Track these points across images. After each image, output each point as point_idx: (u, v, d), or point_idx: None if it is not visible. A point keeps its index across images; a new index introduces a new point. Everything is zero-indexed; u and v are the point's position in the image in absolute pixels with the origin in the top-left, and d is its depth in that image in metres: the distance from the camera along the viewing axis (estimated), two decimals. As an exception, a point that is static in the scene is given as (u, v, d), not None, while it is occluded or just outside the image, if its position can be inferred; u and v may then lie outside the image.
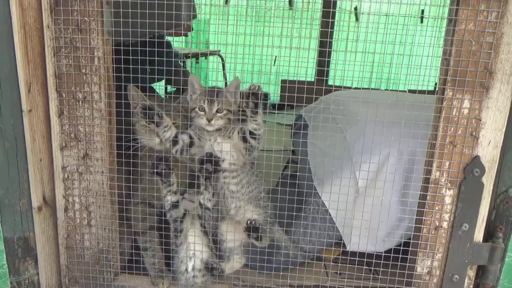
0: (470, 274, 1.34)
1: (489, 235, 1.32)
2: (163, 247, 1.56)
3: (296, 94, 1.26)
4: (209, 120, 1.37)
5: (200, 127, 1.41)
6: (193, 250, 1.44)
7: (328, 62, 3.33)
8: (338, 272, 1.68)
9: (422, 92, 1.42)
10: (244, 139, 1.40)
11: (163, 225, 1.56)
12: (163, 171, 1.34)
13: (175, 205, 1.41)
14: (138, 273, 1.54)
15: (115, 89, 1.37)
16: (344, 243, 1.65)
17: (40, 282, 1.46)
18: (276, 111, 3.92)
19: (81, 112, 1.34)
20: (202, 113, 1.38)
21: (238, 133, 1.41)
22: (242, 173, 1.47)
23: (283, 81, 3.78)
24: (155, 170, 1.34)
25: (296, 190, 1.42)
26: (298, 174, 1.85)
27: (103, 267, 1.46)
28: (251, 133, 1.38)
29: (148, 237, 1.54)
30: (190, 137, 1.43)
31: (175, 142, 1.40)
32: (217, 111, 1.37)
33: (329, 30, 1.38)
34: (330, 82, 3.57)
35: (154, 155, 1.36)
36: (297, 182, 1.89)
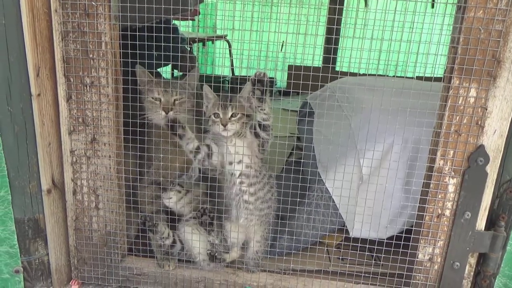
0: (471, 261, 1.35)
1: (491, 223, 1.33)
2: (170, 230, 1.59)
3: (302, 80, 1.26)
4: (224, 125, 1.38)
5: (217, 134, 1.42)
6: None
7: (335, 48, 3.29)
8: (341, 257, 1.71)
9: (428, 79, 1.41)
10: (256, 135, 1.41)
11: (169, 209, 1.59)
12: (152, 226, 1.48)
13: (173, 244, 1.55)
14: (145, 255, 1.58)
15: (123, 74, 1.38)
16: (347, 229, 1.67)
17: (50, 262, 1.50)
18: (282, 97, 3.91)
19: (88, 97, 1.35)
20: (218, 119, 1.39)
21: (250, 130, 1.42)
22: (258, 183, 1.46)
23: (290, 67, 3.76)
24: (145, 227, 1.49)
25: (301, 176, 1.43)
26: (302, 160, 1.86)
27: (110, 249, 1.50)
28: (260, 125, 1.39)
29: (155, 220, 1.56)
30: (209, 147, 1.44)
31: (197, 152, 1.44)
32: (231, 116, 1.39)
33: (336, 16, 1.37)
34: (338, 69, 3.55)
35: (140, 215, 1.52)
36: (301, 168, 1.90)
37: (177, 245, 1.53)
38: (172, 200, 1.54)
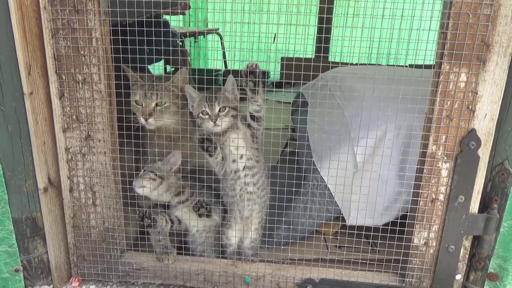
0: (465, 244, 1.37)
1: (484, 206, 1.35)
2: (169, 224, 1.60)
3: (294, 71, 1.27)
4: (214, 121, 1.39)
5: (208, 131, 1.43)
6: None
7: (327, 38, 3.30)
8: (338, 245, 1.73)
9: (419, 66, 1.42)
10: (248, 125, 1.42)
11: (167, 203, 1.60)
12: (151, 222, 1.44)
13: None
14: (144, 250, 1.59)
15: (114, 70, 1.38)
16: (343, 218, 1.69)
17: (50, 260, 1.51)
18: (274, 89, 3.91)
19: (81, 94, 1.35)
20: (206, 116, 1.40)
21: (241, 121, 1.43)
22: (258, 173, 1.48)
23: (283, 59, 3.75)
24: (143, 223, 1.44)
25: (296, 166, 1.44)
26: (297, 150, 1.87)
27: (109, 245, 1.50)
28: (252, 116, 1.40)
29: (153, 214, 1.57)
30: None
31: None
32: (219, 111, 1.39)
33: (326, 5, 1.37)
34: (331, 59, 3.55)
35: (137, 211, 1.47)
36: (296, 158, 1.91)
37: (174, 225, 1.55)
38: (145, 189, 1.44)
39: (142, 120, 1.47)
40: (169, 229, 1.53)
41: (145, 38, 1.28)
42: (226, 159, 1.45)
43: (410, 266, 1.42)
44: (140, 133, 1.52)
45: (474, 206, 1.33)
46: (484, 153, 1.27)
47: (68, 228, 1.50)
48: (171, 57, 2.43)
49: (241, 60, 1.49)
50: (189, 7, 2.97)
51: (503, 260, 1.39)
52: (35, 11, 1.27)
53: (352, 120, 1.67)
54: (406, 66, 2.11)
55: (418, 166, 1.35)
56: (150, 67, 2.52)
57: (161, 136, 1.52)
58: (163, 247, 1.54)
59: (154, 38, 1.30)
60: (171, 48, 2.34)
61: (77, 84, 1.34)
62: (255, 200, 1.50)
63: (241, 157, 1.44)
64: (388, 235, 1.41)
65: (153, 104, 1.48)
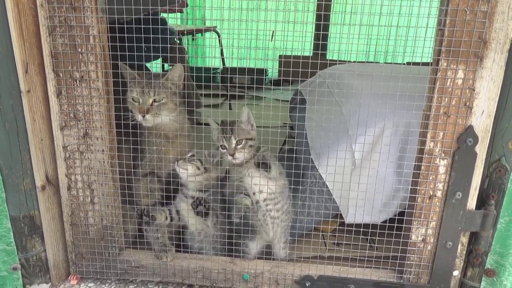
0: (463, 240, 1.38)
1: (481, 202, 1.36)
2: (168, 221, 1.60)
3: (292, 69, 1.27)
4: (232, 155, 1.42)
5: (229, 163, 1.45)
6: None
7: (326, 36, 3.30)
8: (336, 242, 1.73)
9: (416, 63, 1.43)
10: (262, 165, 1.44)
11: (165, 201, 1.60)
12: (149, 219, 1.47)
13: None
14: (142, 248, 1.59)
15: (112, 67, 1.37)
16: (341, 215, 1.69)
17: (48, 258, 1.51)
18: (273, 87, 3.91)
19: (79, 92, 1.35)
20: (225, 151, 1.43)
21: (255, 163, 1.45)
22: (281, 201, 1.50)
23: (281, 56, 3.75)
24: (141, 221, 1.49)
25: (294, 164, 1.44)
26: (295, 148, 1.88)
27: (107, 242, 1.50)
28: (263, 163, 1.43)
29: (152, 212, 1.57)
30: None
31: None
32: (236, 143, 1.41)
33: (324, 3, 1.36)
34: (329, 56, 3.55)
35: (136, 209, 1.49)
36: (294, 156, 1.91)
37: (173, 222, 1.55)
38: (189, 172, 1.46)
39: (139, 117, 1.47)
40: (167, 224, 1.52)
41: (142, 36, 1.28)
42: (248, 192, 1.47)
43: (408, 262, 1.42)
44: (138, 130, 1.52)
45: (472, 203, 1.34)
46: (481, 150, 1.28)
47: (66, 226, 1.50)
48: (168, 55, 2.42)
49: (239, 58, 1.49)
50: (187, 5, 2.97)
51: (500, 256, 1.39)
52: (32, 9, 1.27)
53: (350, 117, 1.67)
54: (404, 64, 2.12)
55: (416, 163, 1.35)
56: (148, 65, 2.52)
57: (159, 134, 1.52)
58: (161, 244, 1.55)
59: (151, 36, 1.30)
60: (168, 46, 2.34)
61: (75, 82, 1.34)
62: (278, 224, 1.53)
63: (261, 191, 1.46)
64: (386, 231, 1.41)
65: (151, 101, 1.47)
